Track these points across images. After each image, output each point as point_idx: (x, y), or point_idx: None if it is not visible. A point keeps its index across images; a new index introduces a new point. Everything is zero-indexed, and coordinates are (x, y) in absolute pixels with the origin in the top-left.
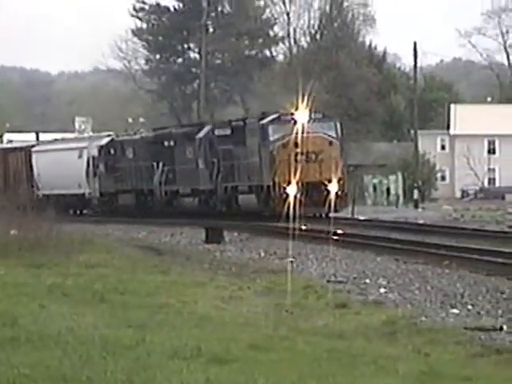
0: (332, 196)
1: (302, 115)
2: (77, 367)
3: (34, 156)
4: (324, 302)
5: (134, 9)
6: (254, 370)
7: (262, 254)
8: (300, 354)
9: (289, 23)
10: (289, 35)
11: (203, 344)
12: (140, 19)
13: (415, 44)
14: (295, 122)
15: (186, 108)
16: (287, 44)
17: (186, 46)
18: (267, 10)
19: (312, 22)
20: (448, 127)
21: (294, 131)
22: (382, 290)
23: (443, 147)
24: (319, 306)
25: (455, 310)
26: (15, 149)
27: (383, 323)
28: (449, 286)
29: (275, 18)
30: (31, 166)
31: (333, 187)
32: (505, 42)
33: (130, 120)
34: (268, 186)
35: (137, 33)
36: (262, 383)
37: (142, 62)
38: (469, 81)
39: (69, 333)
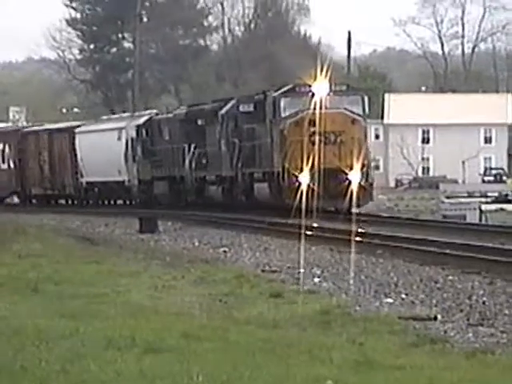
0: (354, 187)
1: (321, 87)
2: (10, 356)
3: (77, 138)
4: (258, 291)
5: None
6: (189, 359)
7: (196, 244)
8: (234, 343)
9: (223, 13)
10: (223, 25)
11: (137, 334)
12: (74, 9)
13: (349, 33)
14: (313, 95)
15: (121, 98)
16: (221, 33)
17: (120, 35)
18: (201, 0)
19: (246, 11)
20: (382, 117)
21: (311, 106)
22: (317, 280)
23: (377, 137)
24: (253, 296)
25: (389, 300)
26: (60, 130)
27: (318, 312)
28: (383, 275)
29: (209, 8)
30: (74, 150)
31: (355, 176)
32: (439, 31)
33: (64, 110)
34: (278, 173)
35: (71, 22)
36: (196, 373)
37: (76, 51)
38: (403, 70)
39: (1, 322)
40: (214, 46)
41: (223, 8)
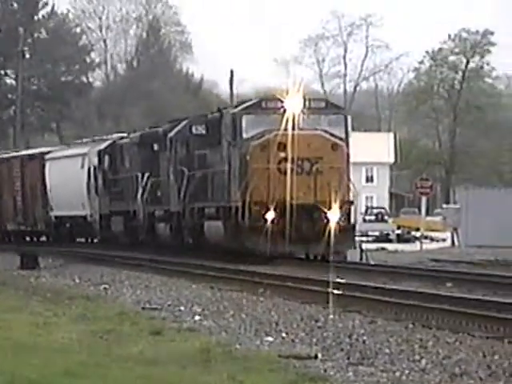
0: (332, 227)
1: (293, 102)
2: None
3: (47, 166)
4: (139, 328)
5: None
6: None
7: (77, 281)
8: (114, 380)
9: (106, 50)
10: (106, 62)
11: (18, 371)
12: None
13: (232, 72)
14: (284, 112)
15: (2, 134)
16: (104, 70)
17: (2, 71)
18: (84, 37)
19: (129, 48)
20: None
21: (282, 126)
22: (197, 318)
23: None
24: (134, 333)
25: (270, 338)
26: (31, 157)
27: (198, 350)
28: (264, 313)
29: (92, 45)
30: (44, 179)
31: (334, 215)
32: (320, 71)
33: None
34: (237, 209)
35: None
36: None
37: None
38: None
39: None
40: (97, 82)
41: (106, 45)
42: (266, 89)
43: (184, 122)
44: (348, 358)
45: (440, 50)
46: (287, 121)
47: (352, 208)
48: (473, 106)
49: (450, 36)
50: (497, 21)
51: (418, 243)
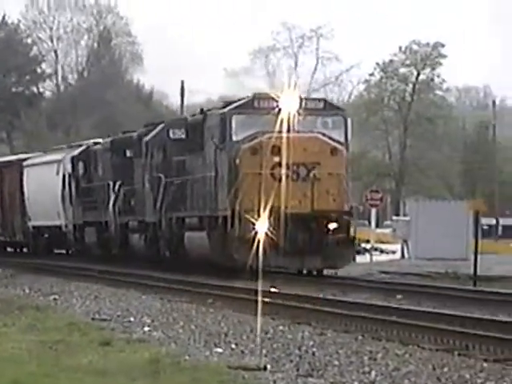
0: (330, 239)
1: (289, 102)
2: None
3: (25, 173)
4: (88, 339)
5: None
6: None
7: (27, 291)
8: None
9: (56, 60)
10: (56, 72)
11: None
12: None
13: (182, 82)
14: (278, 113)
15: None
16: (55, 81)
17: None
18: (35, 47)
19: (80, 59)
20: None
21: (276, 127)
22: (146, 329)
23: None
24: (83, 343)
25: (219, 349)
26: (10, 163)
27: (147, 361)
28: (213, 324)
29: (43, 55)
30: (22, 187)
31: (332, 226)
32: (271, 82)
33: None
34: (225, 218)
35: None
36: None
37: None
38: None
39: None
40: (48, 93)
41: (57, 55)
42: (217, 99)
43: (161, 126)
44: (297, 370)
45: (391, 61)
46: (282, 122)
47: (352, 219)
48: (423, 118)
49: (400, 48)
50: (448, 33)
51: (367, 255)
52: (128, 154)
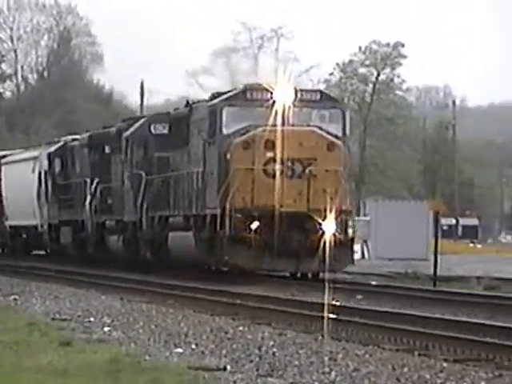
0: (327, 240)
1: (283, 93)
2: None
3: (2, 170)
4: (48, 339)
5: None
6: None
7: None
8: None
9: (16, 60)
10: (16, 72)
11: None
12: None
13: (142, 82)
14: (272, 105)
15: None
16: (15, 81)
17: None
18: None
19: (40, 59)
20: None
21: (269, 120)
22: (107, 329)
23: None
24: (43, 344)
25: (179, 350)
26: None
27: (107, 362)
28: (173, 325)
29: (3, 56)
30: (0, 185)
31: (329, 226)
32: (232, 82)
33: None
34: (214, 217)
35: None
36: None
37: None
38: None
39: None
40: (7, 93)
41: (17, 55)
42: (177, 99)
43: (142, 121)
44: (257, 370)
45: (350, 62)
46: (276, 114)
47: (351, 218)
48: (383, 118)
49: (360, 48)
50: (408, 33)
51: None
52: (107, 150)
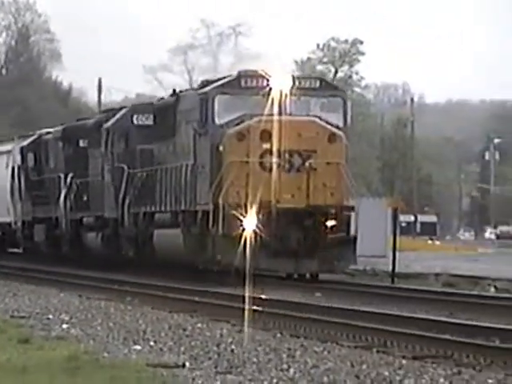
0: (328, 239)
1: (280, 80)
2: None
3: None
4: (7, 337)
5: None
6: None
7: None
8: None
9: None
10: None
11: None
12: None
13: (99, 80)
14: (268, 93)
15: None
16: None
17: None
18: None
19: None
20: None
21: (266, 109)
22: (65, 326)
23: None
24: (2, 341)
25: (138, 347)
26: None
27: (66, 359)
28: (132, 322)
29: None
30: None
31: (330, 223)
32: (190, 79)
33: None
34: (206, 214)
35: None
36: None
37: None
38: None
39: None
40: None
41: None
42: (134, 97)
43: (123, 111)
44: (216, 367)
45: (308, 59)
46: (273, 103)
47: (353, 215)
48: None
49: (318, 45)
50: (367, 31)
51: None
52: (81, 143)
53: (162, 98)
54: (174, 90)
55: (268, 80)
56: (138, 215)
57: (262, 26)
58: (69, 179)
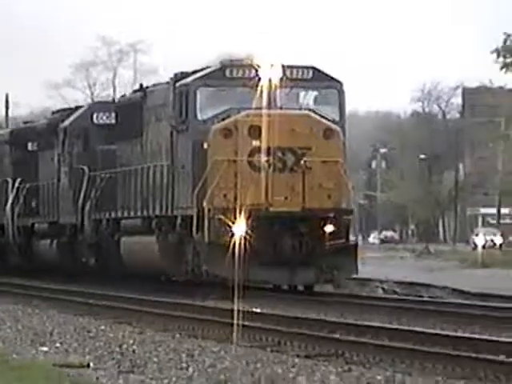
0: (326, 245)
1: (269, 70)
2: None
3: None
4: None
5: None
6: None
7: None
8: None
9: None
10: None
11: None
12: None
13: (7, 95)
14: (257, 84)
15: None
16: None
17: None
18: None
19: None
20: None
21: (253, 103)
22: None
23: None
24: None
25: (45, 348)
26: None
27: None
28: (39, 325)
29: None
30: None
31: (327, 228)
32: (92, 94)
33: None
34: (188, 219)
35: None
36: None
37: None
38: None
39: None
40: None
41: None
42: (42, 109)
43: (81, 110)
44: (119, 367)
45: None
46: (262, 96)
47: (352, 219)
48: None
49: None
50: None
51: None
52: (30, 146)
53: (124, 96)
54: (141, 85)
55: (256, 70)
56: (101, 221)
57: (161, 41)
58: (17, 184)
